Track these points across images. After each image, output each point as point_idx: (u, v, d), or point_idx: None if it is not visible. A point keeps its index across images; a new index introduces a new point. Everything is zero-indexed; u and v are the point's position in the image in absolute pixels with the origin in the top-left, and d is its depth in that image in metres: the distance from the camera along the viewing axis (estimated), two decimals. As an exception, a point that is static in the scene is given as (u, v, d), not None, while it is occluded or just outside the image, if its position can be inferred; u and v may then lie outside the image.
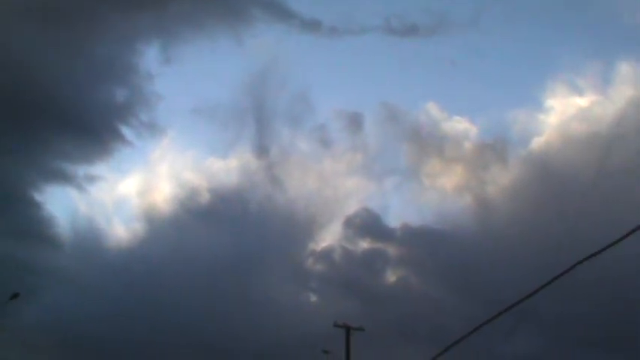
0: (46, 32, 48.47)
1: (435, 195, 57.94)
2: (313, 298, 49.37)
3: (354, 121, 60.81)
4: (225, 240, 49.16)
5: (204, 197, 54.93)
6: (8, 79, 43.83)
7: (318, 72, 77.87)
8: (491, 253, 45.25)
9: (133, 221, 58.56)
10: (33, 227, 46.16)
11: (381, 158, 63.08)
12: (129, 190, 60.24)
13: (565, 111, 56.75)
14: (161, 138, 64.43)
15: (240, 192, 55.15)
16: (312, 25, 59.78)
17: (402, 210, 68.94)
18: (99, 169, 69.05)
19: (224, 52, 73.23)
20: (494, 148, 55.93)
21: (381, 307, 45.03)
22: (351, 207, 56.11)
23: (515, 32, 73.50)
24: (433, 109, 60.33)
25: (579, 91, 58.19)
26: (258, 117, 60.98)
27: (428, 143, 59.07)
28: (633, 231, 9.66)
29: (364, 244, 52.48)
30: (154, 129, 58.83)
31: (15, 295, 22.80)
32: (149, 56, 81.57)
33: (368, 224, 52.61)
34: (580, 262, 10.66)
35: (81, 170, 54.40)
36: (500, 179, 53.90)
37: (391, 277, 50.02)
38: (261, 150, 58.88)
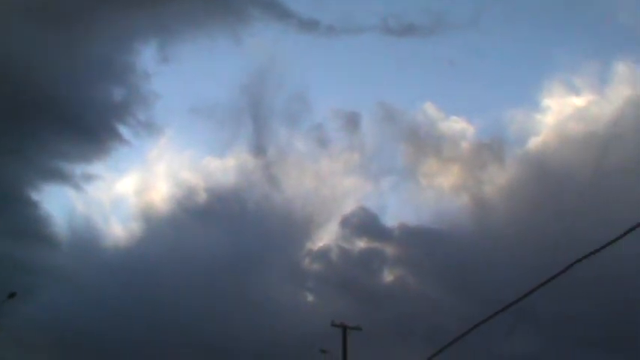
0: (43, 31, 48.39)
1: (433, 195, 58.04)
2: (310, 297, 49.43)
3: (352, 121, 60.96)
4: (223, 239, 49.21)
5: (202, 196, 55.02)
6: (5, 78, 43.81)
7: (316, 71, 77.80)
8: (489, 253, 45.37)
9: (131, 220, 58.39)
10: (30, 226, 46.15)
11: (379, 158, 63.07)
12: (126, 190, 60.27)
13: (562, 111, 56.93)
14: (158, 137, 64.15)
15: (238, 191, 55.26)
16: (309, 25, 59.86)
17: (399, 210, 69.05)
18: (96, 168, 68.52)
19: (222, 52, 72.94)
20: (492, 148, 56.13)
21: (379, 307, 45.11)
22: (349, 206, 56.23)
23: (513, 32, 73.57)
24: (430, 109, 60.45)
25: (576, 91, 58.36)
26: (255, 116, 61.04)
27: (425, 143, 59.20)
28: (630, 230, 9.67)
29: (361, 244, 52.49)
30: (151, 128, 58.82)
31: (12, 295, 22.74)
32: (147, 55, 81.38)
33: (365, 224, 52.68)
34: (578, 261, 10.67)
35: (78, 169, 54.25)
36: (498, 179, 54.05)
37: (388, 276, 50.11)
38: (259, 149, 58.95)
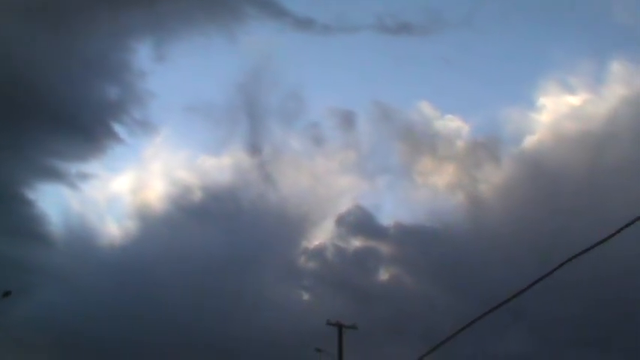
0: (38, 30, 48.27)
1: (428, 193, 58.03)
2: (306, 296, 49.36)
3: (347, 120, 60.93)
4: (218, 238, 49.17)
5: (197, 195, 54.91)
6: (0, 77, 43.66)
7: (312, 70, 77.49)
8: (484, 252, 45.43)
9: (126, 219, 58.16)
10: (25, 225, 46.03)
11: (374, 156, 62.96)
12: (122, 188, 60.01)
13: (557, 109, 56.95)
14: (154, 136, 64.16)
15: (233, 190, 55.14)
16: (305, 23, 59.74)
17: (394, 208, 68.86)
18: (91, 166, 68.01)
19: (217, 50, 73.10)
20: (487, 147, 56.13)
21: (374, 306, 45.13)
22: (344, 205, 56.08)
23: (508, 31, 73.55)
24: (426, 108, 60.45)
25: (572, 90, 58.34)
26: (251, 115, 60.97)
27: (420, 141, 59.17)
28: (622, 229, 9.67)
29: (357, 243, 52.46)
30: (146, 127, 58.76)
31: (7, 293, 22.70)
32: (142, 54, 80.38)
33: (360, 222, 52.67)
34: (571, 259, 10.68)
35: (73, 168, 53.83)
36: (493, 178, 54.09)
37: (384, 275, 50.13)
38: (254, 148, 58.88)
